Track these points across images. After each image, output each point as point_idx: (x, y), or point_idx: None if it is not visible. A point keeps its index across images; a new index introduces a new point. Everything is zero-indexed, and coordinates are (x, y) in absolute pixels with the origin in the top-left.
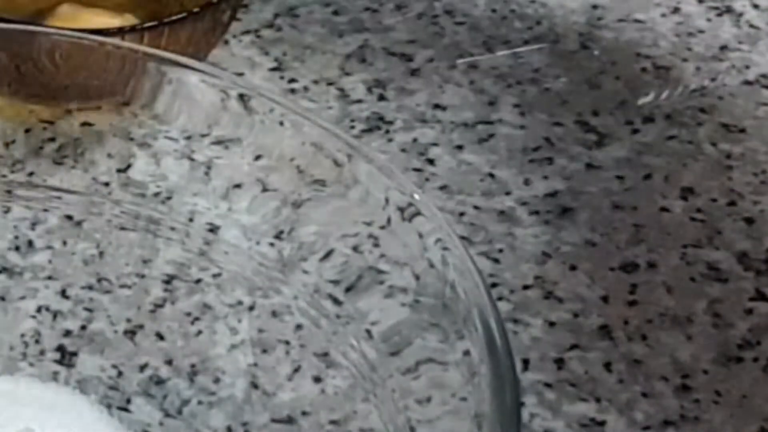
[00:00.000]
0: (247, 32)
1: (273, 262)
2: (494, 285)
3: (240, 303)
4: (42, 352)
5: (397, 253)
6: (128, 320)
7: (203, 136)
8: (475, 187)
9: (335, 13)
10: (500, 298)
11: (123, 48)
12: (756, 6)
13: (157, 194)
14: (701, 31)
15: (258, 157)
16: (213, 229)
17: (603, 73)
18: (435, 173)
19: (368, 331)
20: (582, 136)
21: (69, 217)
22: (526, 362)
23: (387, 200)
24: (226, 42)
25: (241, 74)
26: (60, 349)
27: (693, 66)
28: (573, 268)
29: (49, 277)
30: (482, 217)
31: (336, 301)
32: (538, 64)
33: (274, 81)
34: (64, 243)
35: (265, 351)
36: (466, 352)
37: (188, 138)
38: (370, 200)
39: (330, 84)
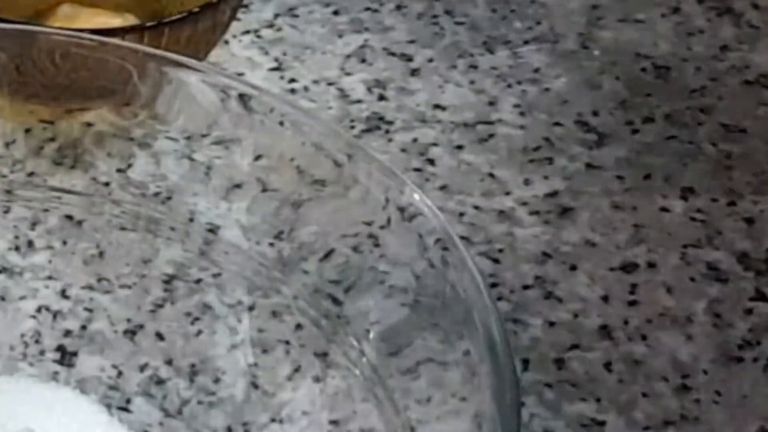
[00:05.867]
0: (247, 32)
1: (273, 262)
2: (494, 285)
3: (240, 303)
4: (42, 352)
5: (397, 253)
6: (128, 320)
7: (203, 136)
8: (475, 187)
9: (335, 13)
10: (500, 298)
11: (123, 48)
12: (756, 6)
13: (157, 194)
14: (701, 31)
15: (258, 157)
16: (213, 229)
17: (603, 73)
18: (435, 173)
19: (368, 331)
20: (582, 136)
21: (69, 217)
22: (526, 362)
23: (387, 200)
24: (226, 42)
25: (241, 74)
26: (60, 349)
27: (693, 66)
28: (573, 268)
29: (49, 277)
30: (482, 217)
31: (336, 301)
32: (538, 64)
33: (274, 81)
34: (64, 243)
35: (265, 351)
36: (466, 352)
37: (188, 138)
38: (370, 200)
39: (330, 84)
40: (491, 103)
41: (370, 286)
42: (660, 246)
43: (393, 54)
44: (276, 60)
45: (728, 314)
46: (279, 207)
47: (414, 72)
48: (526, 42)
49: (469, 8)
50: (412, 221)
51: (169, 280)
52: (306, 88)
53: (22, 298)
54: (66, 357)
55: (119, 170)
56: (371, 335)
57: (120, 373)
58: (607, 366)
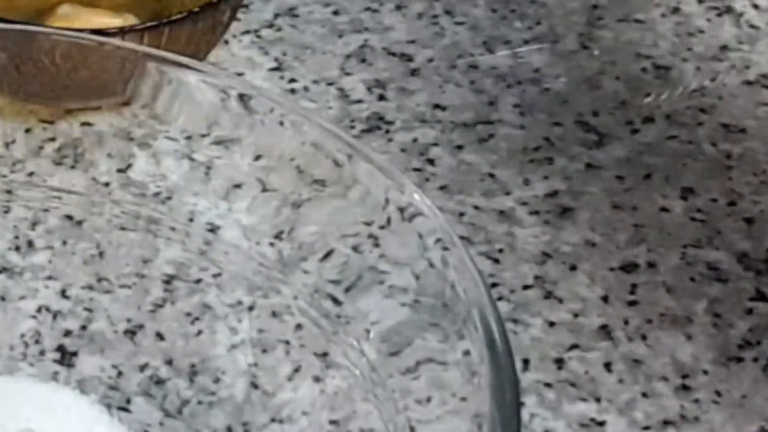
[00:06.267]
0: (247, 32)
1: (273, 262)
2: (494, 285)
3: (240, 303)
4: (42, 352)
5: (397, 253)
6: (128, 320)
7: (203, 136)
8: (475, 187)
9: (335, 13)
10: (500, 298)
11: (123, 48)
12: (756, 6)
13: (157, 194)
14: (701, 31)
15: (258, 157)
16: (213, 229)
17: (603, 73)
18: (435, 173)
19: (368, 331)
20: (582, 136)
21: (69, 217)
22: (526, 362)
23: (387, 200)
24: (226, 42)
25: (241, 74)
26: (60, 349)
27: (693, 66)
28: (573, 268)
29: (49, 277)
30: (482, 217)
31: (336, 301)
32: (538, 64)
33: (274, 81)
34: (64, 243)
35: (265, 351)
36: (466, 352)
37: (188, 138)
38: (370, 200)
39: (330, 84)
40: (491, 103)
41: (370, 286)
42: (660, 246)
43: (393, 54)
44: (276, 60)
45: (728, 314)
46: (279, 207)
47: (414, 72)
48: (526, 42)
49: (469, 8)
50: (412, 221)
51: (169, 280)
52: (306, 88)
53: (22, 298)
54: (66, 357)
55: (119, 170)
56: (371, 335)
57: (120, 373)
58: (607, 366)
